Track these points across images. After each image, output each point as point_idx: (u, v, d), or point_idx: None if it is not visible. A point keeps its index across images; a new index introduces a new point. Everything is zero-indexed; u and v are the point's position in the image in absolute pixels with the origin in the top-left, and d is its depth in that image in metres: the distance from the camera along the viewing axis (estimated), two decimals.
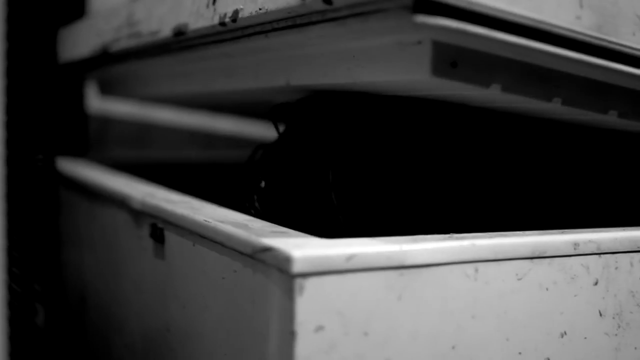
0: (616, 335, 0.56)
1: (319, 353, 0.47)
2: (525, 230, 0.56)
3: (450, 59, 0.51)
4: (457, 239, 0.52)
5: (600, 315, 0.56)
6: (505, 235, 0.54)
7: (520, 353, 0.53)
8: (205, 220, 0.58)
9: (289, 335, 0.47)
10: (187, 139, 1.43)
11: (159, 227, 0.66)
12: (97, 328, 0.84)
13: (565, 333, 0.55)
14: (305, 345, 0.47)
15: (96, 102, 1.31)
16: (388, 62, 0.54)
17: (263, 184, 0.68)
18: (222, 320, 0.56)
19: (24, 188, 0.48)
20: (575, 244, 0.54)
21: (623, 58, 0.54)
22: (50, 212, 0.47)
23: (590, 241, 0.55)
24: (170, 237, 0.64)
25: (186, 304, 0.62)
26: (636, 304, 0.57)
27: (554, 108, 0.57)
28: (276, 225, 0.57)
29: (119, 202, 0.75)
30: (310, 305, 0.47)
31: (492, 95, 0.55)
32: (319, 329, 0.47)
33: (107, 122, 1.38)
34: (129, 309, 0.74)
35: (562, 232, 0.55)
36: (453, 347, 0.51)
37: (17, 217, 0.46)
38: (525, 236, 0.54)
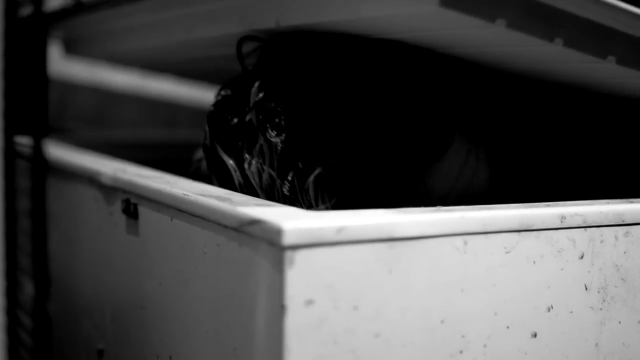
0: (601, 309, 0.56)
1: (309, 327, 0.46)
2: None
3: None
4: (445, 211, 0.51)
5: (586, 289, 0.55)
6: (494, 208, 0.53)
7: (508, 327, 0.53)
8: (185, 194, 0.56)
9: (279, 309, 0.46)
10: (150, 115, 1.40)
11: (132, 202, 0.64)
12: (65, 307, 0.82)
13: (552, 307, 0.54)
14: (295, 319, 0.46)
15: (59, 64, 1.27)
16: None
17: (235, 120, 0.65)
18: (204, 296, 0.54)
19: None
20: (562, 217, 0.54)
21: None
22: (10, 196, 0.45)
23: (576, 214, 0.54)
24: (144, 212, 0.62)
25: (163, 281, 0.60)
26: (620, 278, 0.57)
27: (555, 52, 0.57)
28: (258, 199, 0.56)
29: (88, 179, 0.73)
30: (301, 278, 0.46)
31: (496, 34, 0.54)
32: (309, 302, 0.46)
33: (67, 92, 1.35)
34: (99, 288, 0.72)
35: (549, 205, 0.55)
36: (442, 321, 0.50)
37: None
38: (513, 209, 0.53)
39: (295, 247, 0.45)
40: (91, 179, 0.72)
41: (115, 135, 1.14)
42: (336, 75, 0.64)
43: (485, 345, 0.52)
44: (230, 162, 0.66)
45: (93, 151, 0.88)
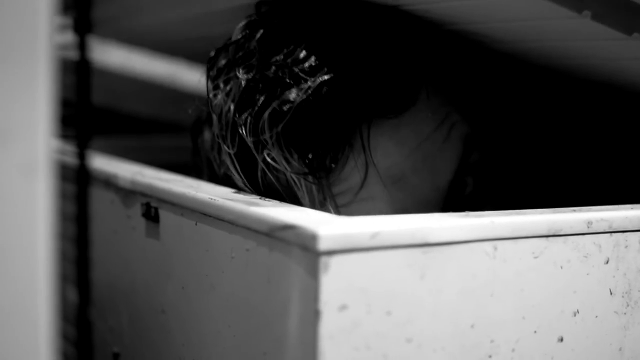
0: (625, 313, 0.56)
1: (343, 332, 0.46)
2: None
3: None
4: (475, 216, 0.51)
5: (611, 293, 0.56)
6: (523, 213, 0.53)
7: (535, 332, 0.53)
8: (211, 198, 0.56)
9: (313, 315, 0.46)
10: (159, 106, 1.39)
11: (152, 206, 0.64)
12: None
13: (578, 311, 0.54)
14: (329, 324, 0.46)
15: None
16: None
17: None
18: (231, 301, 0.54)
19: None
20: (589, 222, 0.54)
21: None
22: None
23: (602, 219, 0.55)
24: (166, 216, 0.62)
25: (185, 285, 0.60)
26: None
27: (581, 26, 0.57)
28: (287, 203, 0.56)
29: (104, 181, 0.73)
30: (335, 283, 0.46)
31: (526, 2, 0.55)
32: (343, 307, 0.46)
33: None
34: (114, 291, 0.72)
35: (575, 210, 0.55)
36: (472, 326, 0.50)
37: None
38: (541, 214, 0.53)
39: (331, 253, 0.45)
40: (107, 182, 0.72)
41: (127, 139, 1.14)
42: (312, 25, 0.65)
43: (513, 350, 0.52)
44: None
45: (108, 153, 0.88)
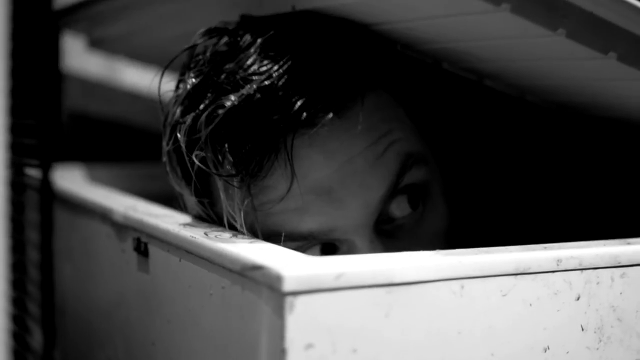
0: (597, 349, 0.57)
1: None
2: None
3: None
4: (443, 255, 0.53)
5: (582, 329, 0.57)
6: (491, 252, 0.54)
7: None
8: (192, 236, 0.58)
9: (280, 353, 0.47)
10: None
11: (142, 241, 0.66)
12: (77, 342, 0.84)
13: (548, 348, 0.55)
14: None
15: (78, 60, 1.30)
16: None
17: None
18: (210, 336, 0.56)
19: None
20: (558, 260, 0.55)
21: None
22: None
23: (572, 257, 0.56)
24: (154, 251, 0.64)
25: (171, 319, 0.62)
26: (617, 318, 0.58)
27: (556, 44, 0.58)
28: (264, 242, 0.58)
29: (101, 215, 0.75)
30: (300, 323, 0.47)
31: (498, 21, 0.56)
32: (309, 346, 0.48)
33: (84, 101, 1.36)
34: (112, 323, 0.74)
35: (546, 248, 0.56)
36: None
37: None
38: (509, 252, 0.54)
39: (296, 293, 0.47)
40: (103, 216, 0.74)
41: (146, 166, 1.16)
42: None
43: None
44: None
45: (109, 184, 0.91)
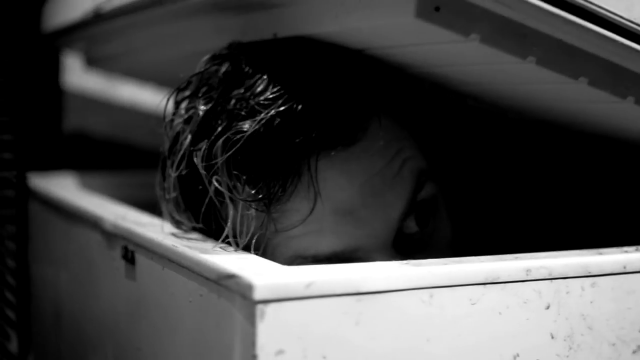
0: (567, 356, 0.59)
1: None
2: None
3: (434, 3, 0.54)
4: (413, 265, 0.55)
5: (552, 337, 0.58)
6: (460, 262, 0.56)
7: None
8: (174, 245, 0.60)
9: (251, 359, 0.49)
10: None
11: (129, 249, 0.68)
12: (72, 345, 0.86)
13: (518, 355, 0.57)
14: None
15: (77, 79, 1.32)
16: (375, 6, 0.57)
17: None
18: (190, 342, 0.58)
19: None
20: (528, 270, 0.57)
21: (597, 19, 0.57)
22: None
23: (542, 267, 0.57)
24: (140, 259, 0.66)
25: (156, 325, 0.64)
26: (587, 327, 0.60)
27: (527, 71, 0.60)
28: (243, 252, 0.59)
29: (92, 223, 0.77)
30: (271, 330, 0.49)
31: (470, 50, 0.58)
32: (279, 352, 0.49)
33: (84, 117, 1.39)
34: (103, 328, 0.76)
35: (516, 258, 0.58)
36: None
37: None
38: (479, 262, 0.56)
39: (266, 301, 0.49)
40: (95, 224, 0.76)
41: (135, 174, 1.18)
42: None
43: None
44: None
45: (103, 193, 0.93)
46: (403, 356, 0.53)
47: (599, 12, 0.56)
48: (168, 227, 0.69)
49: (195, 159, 0.65)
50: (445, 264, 0.55)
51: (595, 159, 0.93)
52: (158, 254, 0.62)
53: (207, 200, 0.65)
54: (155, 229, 0.67)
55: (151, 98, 1.33)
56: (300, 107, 0.64)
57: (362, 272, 0.52)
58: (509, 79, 0.66)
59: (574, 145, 0.91)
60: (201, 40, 0.79)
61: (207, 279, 0.54)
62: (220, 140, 0.64)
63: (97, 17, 0.89)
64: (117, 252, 0.71)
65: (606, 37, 0.58)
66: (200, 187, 0.66)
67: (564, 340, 0.59)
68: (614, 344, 0.61)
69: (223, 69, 0.69)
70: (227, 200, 0.64)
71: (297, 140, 0.64)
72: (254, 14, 0.70)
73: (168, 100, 0.71)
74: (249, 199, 0.64)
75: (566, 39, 0.58)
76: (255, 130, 0.63)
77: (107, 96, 1.41)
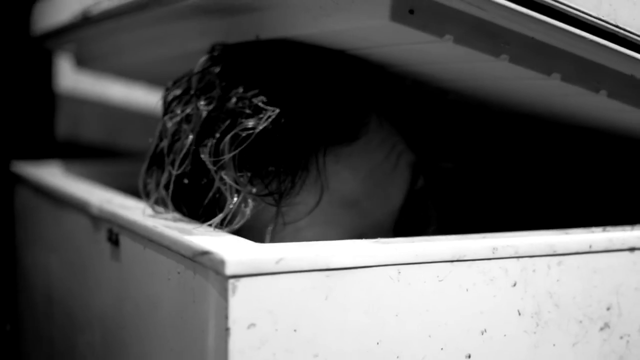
0: (535, 332, 0.61)
1: (251, 348, 0.52)
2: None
3: (408, 6, 0.56)
4: (382, 243, 0.57)
5: (519, 314, 0.60)
6: (427, 240, 0.58)
7: (442, 349, 0.58)
8: (154, 226, 0.62)
9: (224, 332, 0.51)
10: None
11: (114, 232, 0.70)
12: (63, 328, 0.88)
13: (485, 330, 0.59)
14: (238, 340, 0.51)
15: (68, 80, 1.34)
16: (352, 9, 0.59)
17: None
18: (169, 319, 0.60)
19: None
20: (494, 248, 0.59)
21: (566, 18, 0.59)
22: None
23: (508, 245, 0.59)
24: (124, 240, 0.68)
25: (138, 303, 0.66)
26: (554, 304, 0.62)
27: (502, 68, 0.62)
28: (219, 231, 0.62)
29: (80, 208, 0.79)
30: (243, 304, 0.51)
31: (445, 49, 0.60)
32: (251, 326, 0.52)
33: (76, 115, 1.41)
34: (91, 309, 0.78)
35: (482, 237, 0.60)
36: (378, 343, 0.55)
37: None
38: (446, 240, 0.58)
39: (238, 277, 0.51)
40: (82, 209, 0.78)
41: (126, 162, 1.20)
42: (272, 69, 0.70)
43: None
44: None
45: (92, 180, 0.95)
46: (372, 331, 0.55)
47: (567, 11, 0.58)
48: (150, 210, 0.71)
49: (202, 156, 0.67)
50: (413, 241, 0.57)
51: (573, 148, 0.95)
52: (140, 234, 0.64)
53: (210, 194, 0.67)
54: (138, 212, 0.69)
55: (142, 96, 1.36)
56: (304, 105, 0.67)
57: (331, 249, 0.54)
58: (484, 76, 0.69)
59: (555, 135, 0.93)
60: (187, 41, 0.81)
61: (183, 256, 0.57)
62: (228, 137, 0.66)
63: (86, 20, 0.91)
64: (103, 235, 0.73)
65: (576, 35, 0.60)
66: (205, 181, 0.68)
67: (531, 317, 0.61)
68: (580, 321, 0.63)
69: (218, 69, 0.71)
70: (228, 194, 0.66)
71: (306, 137, 0.67)
72: (237, 17, 0.72)
73: (165, 99, 0.72)
74: (261, 194, 0.66)
75: (537, 37, 0.60)
76: (265, 127, 0.65)
77: (98, 95, 1.43)
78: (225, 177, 0.66)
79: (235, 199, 0.66)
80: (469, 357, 0.59)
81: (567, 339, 0.63)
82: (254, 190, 0.66)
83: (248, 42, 0.72)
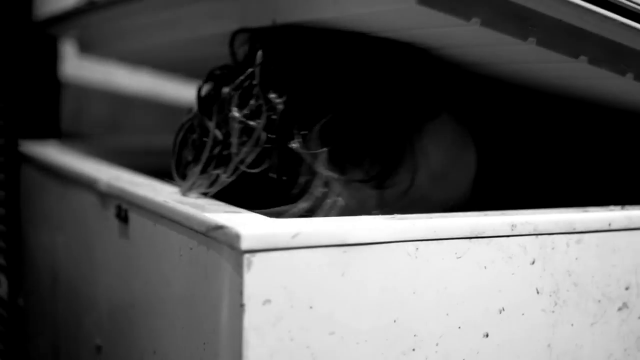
0: (553, 312, 0.60)
1: (266, 324, 0.50)
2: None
3: None
4: (399, 218, 0.55)
5: (538, 292, 0.59)
6: (445, 216, 0.57)
7: (459, 327, 0.56)
8: (165, 201, 0.61)
9: (239, 308, 0.50)
10: (166, 121, 1.44)
11: (123, 208, 0.69)
12: (69, 306, 0.87)
13: (503, 309, 0.58)
14: (253, 317, 0.50)
15: (72, 66, 1.33)
16: None
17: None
18: (181, 295, 0.59)
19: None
20: (513, 225, 0.57)
21: (598, 0, 0.58)
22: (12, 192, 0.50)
23: (527, 222, 0.58)
24: (133, 217, 0.67)
25: (148, 281, 0.65)
26: (572, 283, 0.60)
27: (528, 51, 0.61)
28: (230, 205, 0.60)
29: (87, 185, 0.78)
30: (258, 279, 0.50)
31: (471, 32, 0.59)
32: (266, 302, 0.50)
33: (82, 97, 1.40)
34: (97, 287, 0.77)
35: (501, 214, 0.59)
36: (394, 321, 0.54)
37: None
38: (464, 217, 0.57)
39: (253, 251, 0.50)
40: (90, 186, 0.77)
41: (132, 141, 1.18)
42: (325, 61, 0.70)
43: (437, 344, 0.56)
44: (215, 130, 0.68)
45: (99, 158, 0.93)
46: (389, 308, 0.54)
47: None
48: (160, 186, 0.70)
49: (294, 147, 0.65)
50: (431, 217, 0.56)
51: (592, 126, 0.94)
52: (150, 210, 0.63)
53: (301, 186, 0.66)
54: (147, 188, 0.67)
55: (147, 81, 1.35)
56: (397, 90, 0.70)
57: (348, 225, 0.53)
58: (512, 59, 0.67)
59: (572, 112, 0.92)
60: (197, 25, 0.80)
61: (196, 231, 0.55)
62: (318, 126, 0.65)
63: (91, 5, 0.89)
64: (111, 212, 0.72)
65: (605, 17, 0.59)
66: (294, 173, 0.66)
67: (550, 295, 0.60)
68: (599, 301, 0.62)
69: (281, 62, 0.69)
70: (319, 185, 0.65)
71: (401, 119, 0.69)
72: (252, 0, 0.71)
73: (214, 92, 0.71)
74: (365, 179, 0.67)
75: (565, 19, 0.59)
76: (362, 111, 0.67)
77: (102, 81, 1.42)
78: (320, 169, 0.65)
79: (327, 189, 0.65)
80: (487, 336, 0.58)
81: (586, 319, 0.61)
82: (356, 176, 0.67)
83: (308, 29, 0.70)
